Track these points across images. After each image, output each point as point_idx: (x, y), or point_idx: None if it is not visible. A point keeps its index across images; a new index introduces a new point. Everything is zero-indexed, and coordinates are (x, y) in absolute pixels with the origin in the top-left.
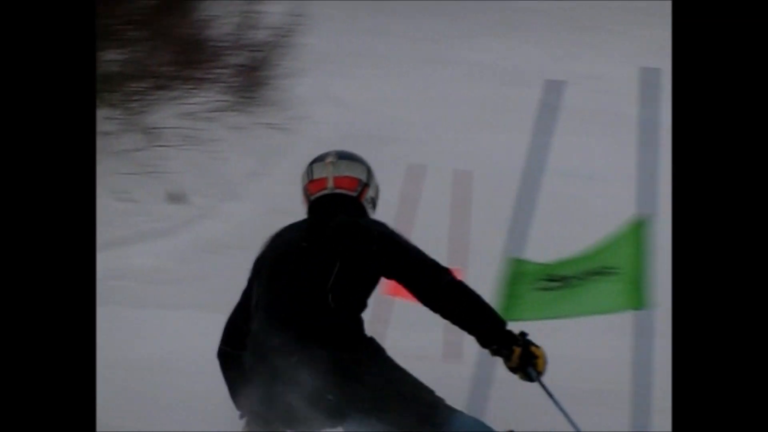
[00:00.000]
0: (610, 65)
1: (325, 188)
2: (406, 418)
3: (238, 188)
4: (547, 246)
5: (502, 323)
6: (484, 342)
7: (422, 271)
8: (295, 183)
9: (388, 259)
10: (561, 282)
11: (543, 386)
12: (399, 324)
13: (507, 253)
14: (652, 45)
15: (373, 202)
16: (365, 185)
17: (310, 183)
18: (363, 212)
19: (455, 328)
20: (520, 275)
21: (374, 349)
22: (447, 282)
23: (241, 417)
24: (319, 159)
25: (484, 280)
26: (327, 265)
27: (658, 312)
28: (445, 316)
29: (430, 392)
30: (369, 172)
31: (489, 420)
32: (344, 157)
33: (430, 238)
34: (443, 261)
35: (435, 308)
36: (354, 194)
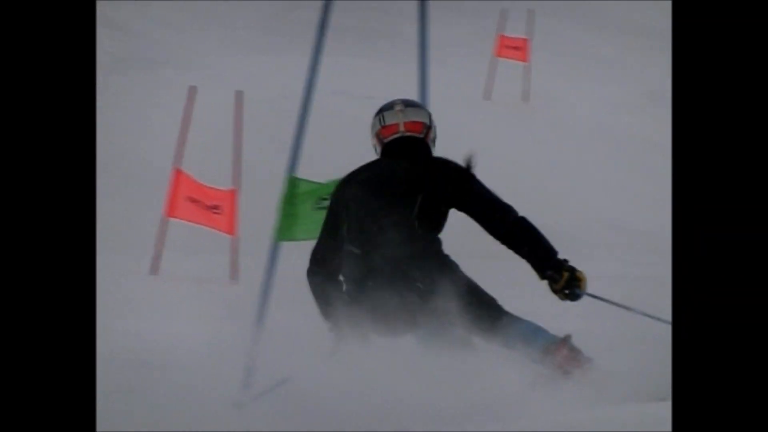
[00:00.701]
0: None
1: (397, 132)
2: (479, 315)
3: None
4: (325, 165)
5: (555, 252)
6: (540, 268)
7: (495, 210)
8: None
9: (469, 196)
10: None
11: (593, 296)
12: (179, 247)
13: (285, 173)
14: None
15: (434, 142)
16: (429, 128)
17: (383, 128)
18: (429, 150)
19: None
20: (299, 195)
21: (451, 261)
22: (514, 219)
23: (331, 330)
24: (388, 107)
25: (259, 199)
26: (411, 197)
27: None
28: (510, 247)
29: (494, 299)
30: (430, 117)
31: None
32: (410, 104)
33: (205, 157)
34: (221, 180)
35: (503, 241)
36: (421, 136)
